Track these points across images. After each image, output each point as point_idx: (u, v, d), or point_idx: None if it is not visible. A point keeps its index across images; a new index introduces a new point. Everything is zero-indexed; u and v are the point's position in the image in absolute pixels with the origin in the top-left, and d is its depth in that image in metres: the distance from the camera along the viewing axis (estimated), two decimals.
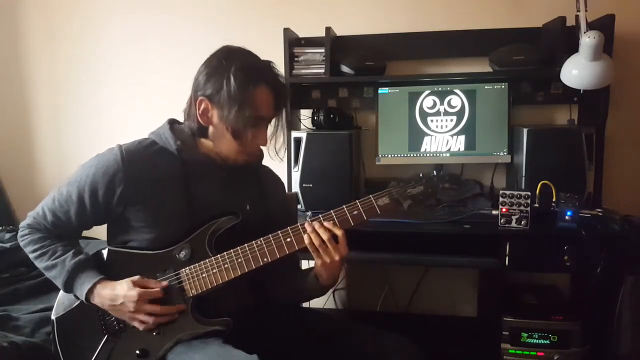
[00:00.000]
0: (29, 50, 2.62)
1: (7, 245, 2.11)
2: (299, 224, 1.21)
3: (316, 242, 1.18)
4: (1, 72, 2.65)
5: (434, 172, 1.24)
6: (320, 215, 1.21)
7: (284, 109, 1.26)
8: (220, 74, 1.17)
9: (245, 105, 1.15)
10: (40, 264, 1.24)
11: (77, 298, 1.24)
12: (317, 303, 2.41)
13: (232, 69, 1.15)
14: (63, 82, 2.60)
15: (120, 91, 2.55)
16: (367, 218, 1.20)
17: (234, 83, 1.14)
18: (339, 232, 1.18)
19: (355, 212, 1.20)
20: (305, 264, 1.75)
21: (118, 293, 1.17)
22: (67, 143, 2.64)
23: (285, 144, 1.32)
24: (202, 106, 1.21)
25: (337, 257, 1.19)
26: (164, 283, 1.20)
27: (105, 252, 1.27)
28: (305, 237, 1.19)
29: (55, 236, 1.26)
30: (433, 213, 1.88)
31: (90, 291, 1.19)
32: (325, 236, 1.18)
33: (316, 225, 1.19)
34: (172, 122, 1.31)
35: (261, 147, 1.26)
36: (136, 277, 1.19)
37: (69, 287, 1.22)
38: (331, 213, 1.20)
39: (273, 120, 1.27)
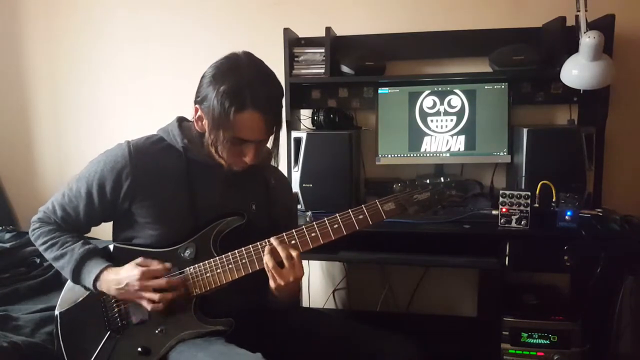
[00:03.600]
0: (29, 50, 2.62)
1: (7, 245, 2.11)
2: (304, 226, 1.20)
3: (270, 264, 1.16)
4: (1, 72, 2.65)
5: (441, 178, 1.24)
6: (313, 223, 1.19)
7: (278, 131, 1.23)
8: (212, 89, 1.15)
9: (224, 127, 1.14)
10: (49, 255, 1.26)
11: (85, 288, 1.25)
12: (317, 303, 2.42)
13: (221, 89, 1.13)
14: (63, 82, 2.60)
15: (120, 91, 2.55)
16: (372, 222, 1.19)
17: (216, 105, 1.13)
18: (294, 253, 1.16)
19: (361, 217, 1.18)
20: (305, 264, 1.74)
21: (122, 275, 1.19)
22: (67, 143, 2.65)
23: (278, 164, 1.32)
24: (198, 113, 1.21)
25: (291, 279, 1.16)
26: (167, 264, 1.21)
27: (111, 248, 1.28)
28: (263, 257, 1.16)
29: (65, 230, 1.28)
30: (433, 213, 1.88)
31: (97, 278, 1.20)
32: (277, 259, 1.16)
33: (271, 247, 1.17)
34: (181, 120, 1.31)
35: (249, 163, 1.22)
36: (139, 259, 1.20)
37: (76, 276, 1.23)
38: (336, 216, 1.19)
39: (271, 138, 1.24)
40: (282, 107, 1.22)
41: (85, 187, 1.23)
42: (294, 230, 1.20)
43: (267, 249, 1.17)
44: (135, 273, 1.17)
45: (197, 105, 1.20)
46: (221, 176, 1.27)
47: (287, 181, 1.47)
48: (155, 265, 1.20)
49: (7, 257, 2.04)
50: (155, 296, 1.17)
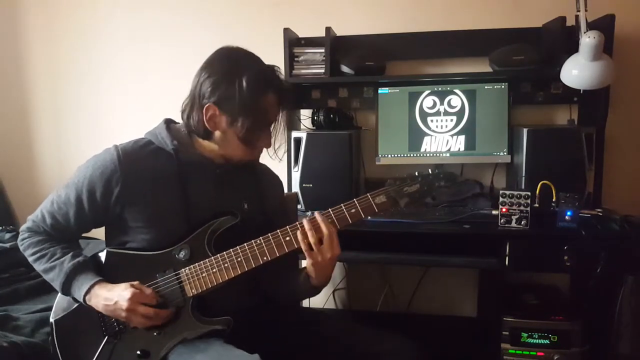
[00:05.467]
0: (29, 50, 2.62)
1: (7, 245, 2.11)
2: (297, 222, 1.21)
3: (311, 240, 1.17)
4: (1, 72, 2.65)
5: (430, 170, 1.25)
6: (316, 213, 1.21)
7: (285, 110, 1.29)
8: (230, 81, 1.17)
9: (258, 114, 1.19)
10: (39, 267, 1.24)
11: (75, 300, 1.24)
12: (317, 303, 2.42)
13: (243, 78, 1.16)
14: (63, 82, 2.60)
15: (120, 91, 2.55)
16: (365, 216, 1.20)
17: (247, 92, 1.16)
18: (333, 230, 1.18)
19: (353, 211, 1.20)
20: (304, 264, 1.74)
21: (113, 293, 1.17)
22: (67, 143, 2.65)
23: (285, 143, 1.33)
24: (210, 112, 1.20)
25: (328, 256, 1.18)
26: (159, 298, 1.20)
27: (103, 254, 1.27)
28: (299, 234, 1.18)
29: (55, 239, 1.27)
30: (433, 213, 1.88)
31: (88, 292, 1.19)
32: (318, 235, 1.17)
33: (309, 224, 1.18)
34: (169, 122, 1.31)
35: (269, 147, 1.28)
36: (135, 282, 1.19)
37: (66, 289, 1.22)
38: (329, 211, 1.20)
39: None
40: (287, 84, 1.30)
41: (74, 194, 1.22)
42: (288, 227, 1.20)
43: (308, 225, 1.17)
44: (126, 294, 1.16)
45: (208, 104, 1.19)
46: (212, 176, 1.27)
47: (276, 176, 1.48)
48: (149, 291, 1.19)
49: (7, 257, 2.04)
50: (143, 322, 1.18)
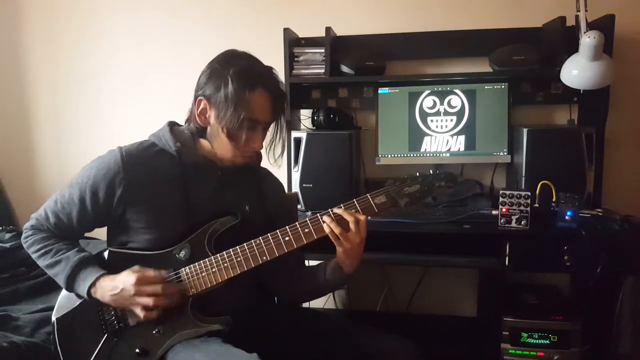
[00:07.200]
0: (29, 51, 2.62)
1: (7, 245, 2.11)
2: (297, 222, 1.21)
3: (336, 230, 1.19)
4: (1, 72, 2.65)
5: (430, 170, 1.25)
6: (307, 219, 1.22)
7: (282, 117, 1.27)
8: (219, 76, 1.19)
9: (240, 107, 1.17)
10: (43, 262, 1.25)
11: (78, 296, 1.24)
12: (317, 303, 2.40)
13: (230, 71, 1.17)
14: (63, 83, 2.60)
15: (120, 92, 2.55)
16: (365, 216, 1.21)
17: (230, 85, 1.17)
18: (361, 217, 1.20)
19: (353, 211, 1.21)
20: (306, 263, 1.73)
21: (118, 280, 1.18)
22: (67, 144, 2.64)
23: (283, 152, 1.33)
24: (201, 106, 1.23)
25: (357, 241, 1.21)
26: (163, 272, 1.20)
27: (106, 254, 1.28)
28: (325, 226, 1.20)
29: (58, 237, 1.27)
30: (433, 213, 1.88)
31: (93, 285, 1.19)
32: (344, 224, 1.19)
33: (330, 217, 1.20)
34: (172, 125, 1.32)
35: (258, 150, 1.27)
36: (135, 266, 1.20)
37: (70, 283, 1.22)
38: (329, 211, 1.21)
39: (272, 127, 1.28)
40: (284, 90, 1.27)
41: (78, 194, 1.23)
42: (287, 227, 1.20)
43: (328, 217, 1.20)
44: (131, 278, 1.16)
45: (200, 98, 1.22)
46: (214, 178, 1.28)
47: (277, 179, 1.49)
48: (152, 272, 1.19)
49: (7, 257, 2.05)
50: (150, 301, 1.17)
